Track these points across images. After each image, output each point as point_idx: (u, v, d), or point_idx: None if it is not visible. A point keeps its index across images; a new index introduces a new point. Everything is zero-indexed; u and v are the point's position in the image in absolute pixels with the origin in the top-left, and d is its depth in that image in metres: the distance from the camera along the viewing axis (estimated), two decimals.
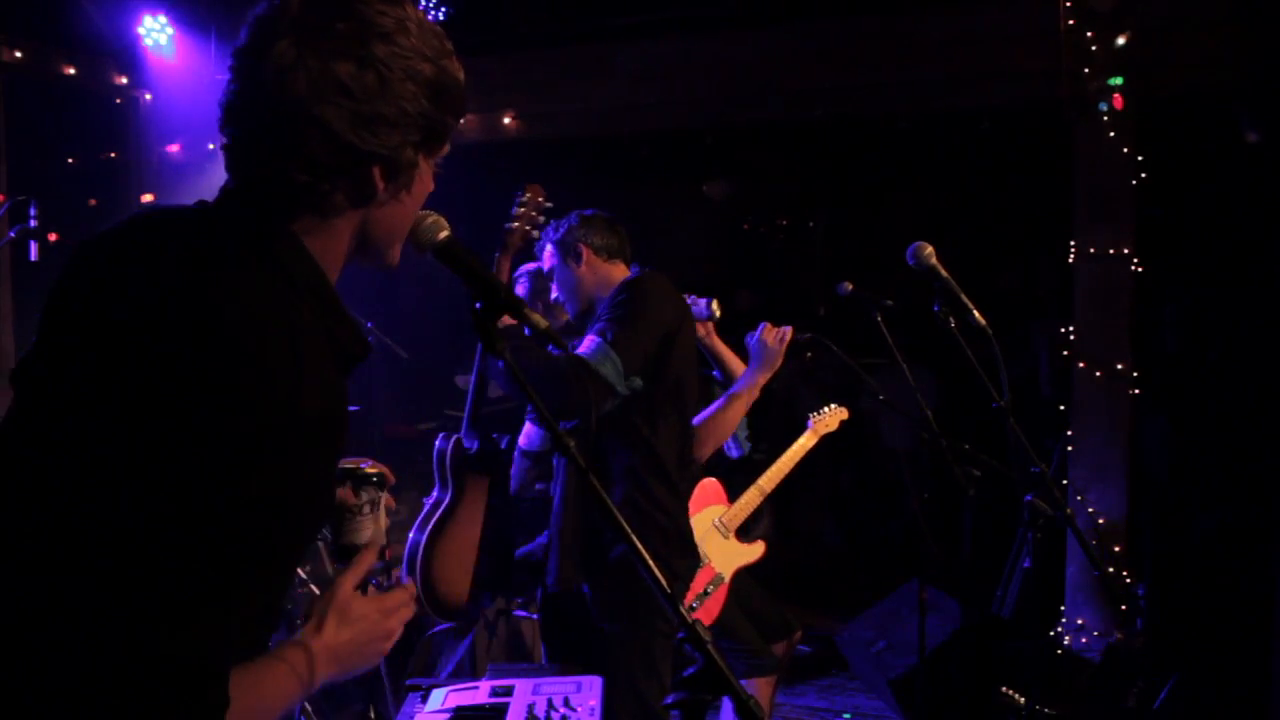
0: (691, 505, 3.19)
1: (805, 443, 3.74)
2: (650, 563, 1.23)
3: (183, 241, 1.11)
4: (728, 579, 3.50)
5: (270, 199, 1.15)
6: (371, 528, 1.41)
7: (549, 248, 2.96)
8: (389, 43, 1.12)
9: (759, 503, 3.67)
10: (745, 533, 3.68)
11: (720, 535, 3.58)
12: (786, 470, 3.73)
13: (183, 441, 0.98)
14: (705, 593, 3.40)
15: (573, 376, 2.57)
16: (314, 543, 1.22)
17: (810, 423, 3.78)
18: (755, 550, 3.62)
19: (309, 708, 3.08)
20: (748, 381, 3.39)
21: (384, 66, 1.12)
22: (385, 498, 1.44)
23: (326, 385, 1.07)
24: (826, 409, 3.80)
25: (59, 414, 1.05)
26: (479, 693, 1.96)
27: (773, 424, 5.81)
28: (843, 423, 3.81)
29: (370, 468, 1.42)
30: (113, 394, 1.01)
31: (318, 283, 1.16)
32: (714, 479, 3.69)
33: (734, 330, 4.11)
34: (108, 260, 1.12)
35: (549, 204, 2.90)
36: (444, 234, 1.33)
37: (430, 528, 3.04)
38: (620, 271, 2.96)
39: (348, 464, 1.41)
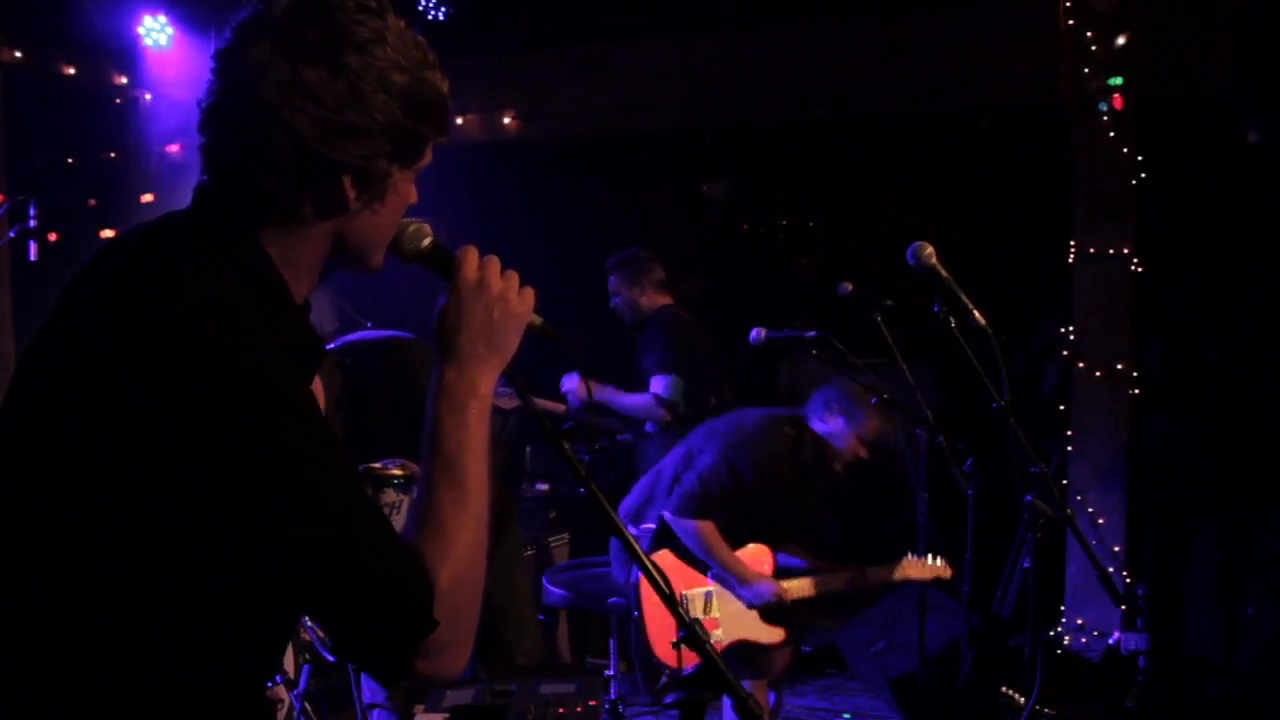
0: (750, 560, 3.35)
1: (888, 573, 3.52)
2: (650, 565, 1.25)
3: (147, 243, 1.15)
4: (724, 643, 3.33)
5: (237, 202, 1.16)
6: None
7: None
8: (363, 52, 1.12)
9: (807, 593, 3.43)
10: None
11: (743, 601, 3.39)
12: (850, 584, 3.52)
13: (141, 425, 1.03)
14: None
15: None
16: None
17: (904, 559, 3.51)
18: (772, 634, 3.43)
19: (309, 708, 3.08)
20: None
21: (356, 76, 1.12)
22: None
23: (264, 352, 1.07)
24: (929, 558, 3.52)
25: (37, 405, 1.11)
26: (478, 693, 1.96)
27: None
28: (937, 579, 3.50)
29: (396, 469, 1.37)
30: (70, 388, 1.07)
31: (275, 285, 1.16)
32: (767, 548, 3.51)
33: (733, 332, 4.09)
34: (90, 264, 1.17)
35: None
36: (427, 241, 1.30)
37: None
38: None
39: (373, 467, 1.37)
